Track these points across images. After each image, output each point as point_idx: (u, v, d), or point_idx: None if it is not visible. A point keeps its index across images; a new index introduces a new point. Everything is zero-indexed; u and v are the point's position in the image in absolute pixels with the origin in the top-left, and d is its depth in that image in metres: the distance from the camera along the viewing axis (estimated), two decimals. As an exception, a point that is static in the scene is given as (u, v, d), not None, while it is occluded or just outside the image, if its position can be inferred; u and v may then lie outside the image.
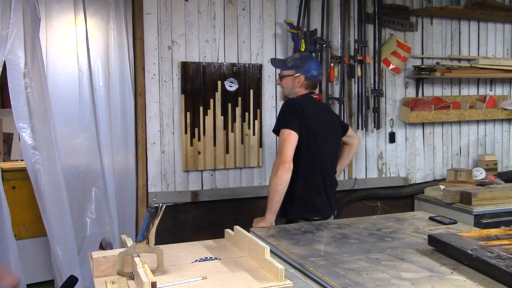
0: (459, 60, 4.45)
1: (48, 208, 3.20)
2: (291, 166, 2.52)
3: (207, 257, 2.00)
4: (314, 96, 2.79)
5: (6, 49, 3.03)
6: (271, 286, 1.67)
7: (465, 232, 2.06)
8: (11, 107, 3.17)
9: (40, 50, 3.15)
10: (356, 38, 4.01)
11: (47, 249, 3.40)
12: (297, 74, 2.72)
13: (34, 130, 3.12)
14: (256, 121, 3.74)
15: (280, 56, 3.81)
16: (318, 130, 2.67)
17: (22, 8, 3.03)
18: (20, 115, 3.10)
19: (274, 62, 3.00)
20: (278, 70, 3.04)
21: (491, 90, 4.62)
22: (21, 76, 3.08)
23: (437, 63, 4.34)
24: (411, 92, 4.30)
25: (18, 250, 3.22)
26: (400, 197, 4.25)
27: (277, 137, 2.76)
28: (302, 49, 3.69)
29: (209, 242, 2.26)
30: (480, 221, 3.54)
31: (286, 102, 2.72)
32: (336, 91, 3.97)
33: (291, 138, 2.55)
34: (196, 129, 3.58)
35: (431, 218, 2.53)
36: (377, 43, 4.03)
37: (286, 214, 2.70)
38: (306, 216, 2.65)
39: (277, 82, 2.91)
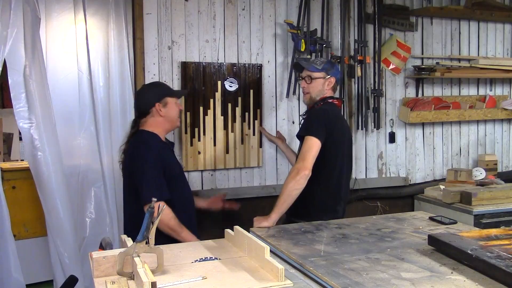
0: (459, 60, 4.45)
1: (51, 208, 3.20)
2: (310, 173, 2.58)
3: (207, 257, 2.01)
4: (335, 102, 2.88)
5: (6, 49, 3.03)
6: (271, 286, 1.67)
7: (465, 232, 2.06)
8: (11, 107, 3.17)
9: (40, 50, 3.15)
10: (356, 38, 4.01)
11: (47, 249, 3.40)
12: (328, 77, 2.84)
13: (37, 129, 3.13)
14: (256, 121, 3.73)
15: (280, 56, 3.81)
16: (341, 138, 2.80)
17: (22, 8, 3.03)
18: (22, 115, 3.10)
19: (303, 63, 2.95)
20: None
21: (491, 90, 4.62)
22: (22, 75, 3.08)
23: (437, 63, 4.34)
24: (411, 92, 4.30)
25: (18, 250, 3.22)
26: (400, 197, 4.25)
27: (299, 142, 2.81)
28: (302, 49, 3.69)
29: (209, 242, 2.26)
30: (480, 221, 3.54)
31: (315, 111, 2.79)
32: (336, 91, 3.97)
33: (316, 146, 2.62)
34: (196, 129, 3.58)
35: (431, 218, 2.53)
36: (377, 43, 4.03)
37: (304, 216, 2.67)
38: (326, 215, 2.69)
39: (302, 85, 2.90)
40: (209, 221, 3.63)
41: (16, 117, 3.10)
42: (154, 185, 2.54)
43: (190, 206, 2.80)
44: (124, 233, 2.51)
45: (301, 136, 2.72)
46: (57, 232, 3.23)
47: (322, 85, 2.83)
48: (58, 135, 3.26)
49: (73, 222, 3.30)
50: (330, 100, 2.85)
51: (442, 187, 4.02)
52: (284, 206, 2.56)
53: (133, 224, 2.61)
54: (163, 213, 2.40)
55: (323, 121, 2.70)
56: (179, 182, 2.74)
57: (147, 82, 3.45)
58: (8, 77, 3.07)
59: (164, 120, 2.73)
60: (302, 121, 2.90)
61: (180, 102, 3.52)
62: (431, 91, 4.37)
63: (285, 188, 2.57)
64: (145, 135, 2.69)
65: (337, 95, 3.89)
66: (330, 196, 2.77)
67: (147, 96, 2.75)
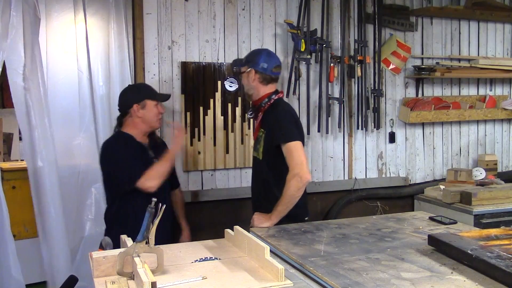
0: (459, 60, 4.45)
1: (44, 208, 3.19)
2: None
3: (207, 257, 2.01)
4: (281, 96, 2.81)
5: (6, 50, 3.03)
6: (271, 286, 1.67)
7: (465, 232, 2.06)
8: (11, 107, 3.18)
9: (39, 51, 3.15)
10: (356, 38, 4.01)
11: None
12: (249, 69, 2.74)
13: (35, 129, 3.13)
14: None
15: (280, 56, 3.77)
16: (303, 132, 2.78)
17: (22, 8, 3.03)
18: (20, 115, 3.11)
19: (235, 61, 2.95)
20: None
21: (491, 90, 4.62)
22: (20, 76, 3.09)
23: (437, 63, 4.34)
24: (411, 92, 4.30)
25: (18, 250, 3.22)
26: (400, 197, 4.25)
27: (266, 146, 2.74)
28: (302, 49, 3.69)
29: (209, 242, 2.26)
30: (480, 221, 3.54)
31: (280, 114, 2.70)
32: (336, 91, 3.97)
33: (302, 149, 2.60)
34: (196, 129, 3.58)
35: (431, 218, 2.53)
36: (377, 43, 4.03)
37: (291, 216, 2.67)
38: (308, 215, 2.75)
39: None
40: (209, 221, 3.64)
41: (17, 117, 3.11)
42: (128, 169, 2.68)
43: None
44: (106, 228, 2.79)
45: (279, 145, 2.61)
46: (48, 233, 3.22)
47: (247, 79, 2.74)
48: (54, 136, 3.26)
49: (71, 222, 3.30)
50: (276, 96, 2.76)
51: (442, 187, 4.02)
52: (286, 212, 2.56)
53: (108, 219, 2.82)
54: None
55: (293, 121, 2.69)
56: None
57: (147, 82, 3.46)
58: (8, 78, 3.08)
59: (141, 121, 2.81)
60: (270, 127, 2.71)
61: (180, 102, 3.53)
62: (431, 91, 4.37)
63: (288, 195, 2.54)
64: (114, 137, 2.86)
65: (336, 94, 3.93)
66: (305, 192, 2.74)
67: (127, 97, 2.86)
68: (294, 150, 2.56)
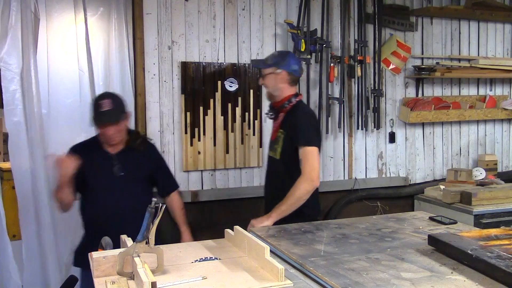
0: (459, 60, 4.45)
1: (25, 210, 3.18)
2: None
3: (207, 257, 2.01)
4: (301, 99, 2.85)
5: (4, 49, 3.03)
6: (271, 286, 1.67)
7: (465, 232, 2.06)
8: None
9: (35, 51, 3.15)
10: (356, 38, 4.01)
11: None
12: (279, 71, 2.75)
13: (25, 129, 3.13)
14: (256, 121, 3.73)
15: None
16: (320, 136, 2.89)
17: (21, 8, 3.04)
18: (11, 115, 3.11)
19: (255, 62, 3.04)
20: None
21: (491, 90, 4.62)
22: (15, 76, 3.09)
23: (437, 63, 4.34)
24: (411, 92, 4.30)
25: (18, 250, 3.22)
26: (400, 197, 4.25)
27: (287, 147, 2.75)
28: (302, 49, 3.70)
29: (209, 242, 2.26)
30: (480, 221, 3.55)
31: (305, 116, 2.75)
32: (336, 91, 3.97)
33: (318, 154, 2.66)
34: (196, 129, 3.58)
35: (431, 218, 2.53)
36: (377, 43, 4.03)
37: (302, 216, 2.68)
38: (320, 215, 2.83)
39: (260, 82, 2.91)
40: (209, 221, 3.63)
41: (6, 116, 3.11)
42: None
43: (109, 218, 2.64)
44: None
45: (298, 147, 2.65)
46: (31, 234, 3.21)
47: (275, 80, 2.76)
48: (45, 138, 3.25)
49: (70, 221, 3.28)
50: (297, 99, 2.79)
51: (442, 187, 4.02)
52: (288, 212, 2.58)
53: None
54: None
55: (314, 125, 2.75)
56: (98, 192, 2.69)
57: (147, 82, 3.46)
58: (1, 77, 3.08)
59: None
60: (291, 128, 2.72)
61: (180, 102, 3.53)
62: (431, 91, 4.37)
63: (296, 196, 2.57)
64: (83, 141, 2.92)
65: (336, 94, 3.93)
66: (316, 193, 2.77)
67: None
68: (310, 155, 2.61)
